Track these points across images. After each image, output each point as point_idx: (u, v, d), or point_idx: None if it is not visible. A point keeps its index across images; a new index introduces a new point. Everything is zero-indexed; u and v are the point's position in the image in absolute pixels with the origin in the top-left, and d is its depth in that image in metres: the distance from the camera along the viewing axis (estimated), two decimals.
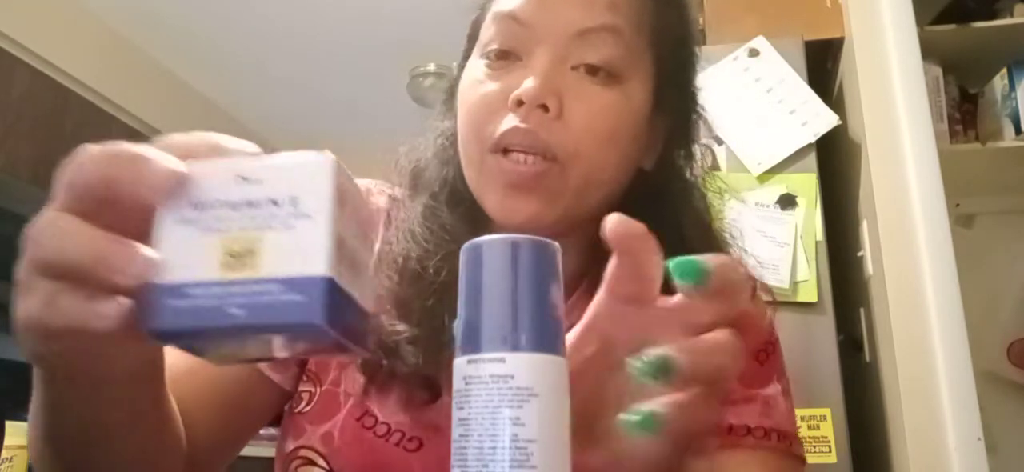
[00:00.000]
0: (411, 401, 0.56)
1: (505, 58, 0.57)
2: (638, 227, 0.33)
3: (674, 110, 0.62)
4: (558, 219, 0.56)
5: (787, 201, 1.63)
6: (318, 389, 0.60)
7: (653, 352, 0.31)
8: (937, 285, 1.31)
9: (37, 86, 2.52)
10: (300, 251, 0.29)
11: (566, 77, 0.55)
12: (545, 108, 0.54)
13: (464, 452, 0.29)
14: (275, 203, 0.30)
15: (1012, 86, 1.72)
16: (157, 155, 0.30)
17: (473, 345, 0.30)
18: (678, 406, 0.31)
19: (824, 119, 1.67)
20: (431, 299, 0.57)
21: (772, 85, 1.71)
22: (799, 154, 1.65)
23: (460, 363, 0.31)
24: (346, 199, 0.31)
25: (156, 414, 0.44)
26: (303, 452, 0.57)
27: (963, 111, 1.82)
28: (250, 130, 3.73)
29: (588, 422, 0.35)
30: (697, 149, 0.66)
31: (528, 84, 0.53)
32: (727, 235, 0.66)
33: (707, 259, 0.32)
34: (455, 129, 0.62)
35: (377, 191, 0.68)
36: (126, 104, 2.91)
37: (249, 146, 0.33)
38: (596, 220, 0.58)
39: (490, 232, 0.59)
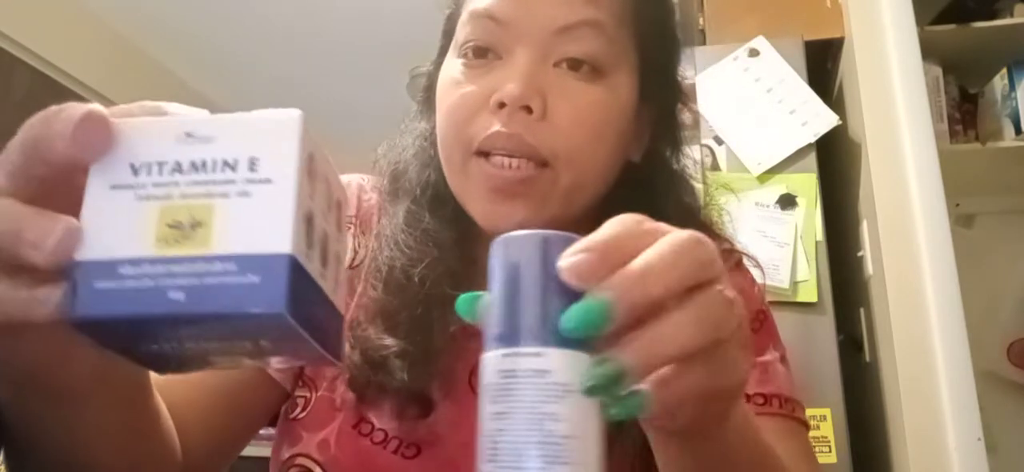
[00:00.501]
0: (403, 416, 0.55)
1: (483, 57, 0.55)
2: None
3: (659, 100, 0.61)
4: (547, 222, 0.54)
5: (787, 201, 1.63)
6: (313, 394, 0.59)
7: (598, 367, 0.28)
8: (937, 285, 1.31)
9: (37, 86, 2.52)
10: (258, 223, 0.24)
11: (548, 75, 0.54)
12: (528, 109, 0.52)
13: (497, 446, 0.28)
14: (229, 165, 0.25)
15: (1012, 86, 1.72)
16: (74, 105, 0.27)
17: (509, 340, 0.29)
18: (661, 382, 0.30)
19: (824, 119, 1.66)
20: (419, 309, 0.56)
21: (772, 85, 1.71)
22: (799, 154, 1.65)
23: (494, 357, 0.29)
24: (316, 171, 0.27)
25: (143, 427, 0.43)
26: (300, 460, 0.56)
27: (963, 111, 1.82)
28: None
29: None
30: (683, 137, 0.65)
31: (510, 85, 0.51)
32: (718, 220, 0.65)
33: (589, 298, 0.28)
34: (432, 130, 0.61)
35: (371, 187, 0.66)
36: (126, 104, 2.91)
37: (200, 113, 0.28)
38: (586, 218, 0.58)
39: (476, 236, 0.59)
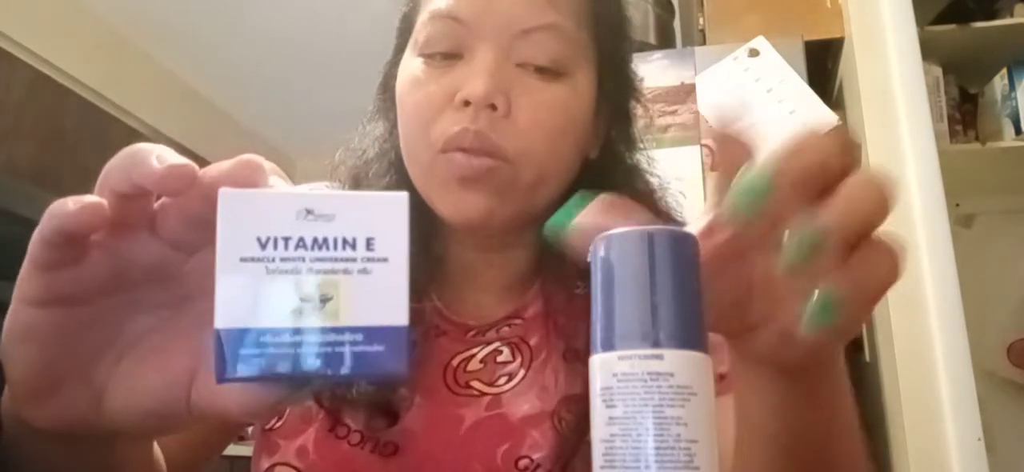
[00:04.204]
0: (371, 426, 0.56)
1: (445, 56, 0.56)
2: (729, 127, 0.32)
3: (615, 96, 0.62)
4: (511, 217, 0.56)
5: None
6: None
7: (796, 230, 0.28)
8: (937, 285, 1.31)
9: (37, 86, 2.52)
10: (379, 298, 0.28)
11: (511, 74, 0.54)
12: (493, 107, 0.53)
13: (614, 451, 0.27)
14: (348, 244, 0.28)
15: (1012, 86, 1.72)
16: (155, 148, 0.29)
17: (623, 341, 0.28)
18: (849, 278, 0.28)
19: (824, 119, 1.66)
20: None
21: (772, 85, 1.71)
22: None
23: (609, 358, 0.28)
24: None
25: (147, 451, 0.43)
26: (279, 468, 0.56)
27: (963, 111, 1.82)
28: (250, 131, 3.73)
29: (740, 311, 0.33)
30: (636, 132, 0.66)
31: (475, 84, 0.52)
32: (674, 205, 0.65)
33: (764, 163, 0.29)
34: (392, 130, 0.61)
35: None
36: (126, 104, 2.91)
37: (264, 161, 0.31)
38: (545, 214, 0.58)
39: (442, 236, 0.60)
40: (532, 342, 0.60)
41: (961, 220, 1.89)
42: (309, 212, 0.28)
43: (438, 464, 0.55)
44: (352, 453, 0.56)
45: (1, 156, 2.33)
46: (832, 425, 0.38)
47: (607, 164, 0.62)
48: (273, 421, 0.59)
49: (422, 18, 0.58)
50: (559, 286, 0.60)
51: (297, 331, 0.27)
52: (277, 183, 0.30)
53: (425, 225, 0.59)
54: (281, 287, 0.27)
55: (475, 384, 0.58)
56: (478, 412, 0.57)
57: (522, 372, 0.58)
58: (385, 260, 0.28)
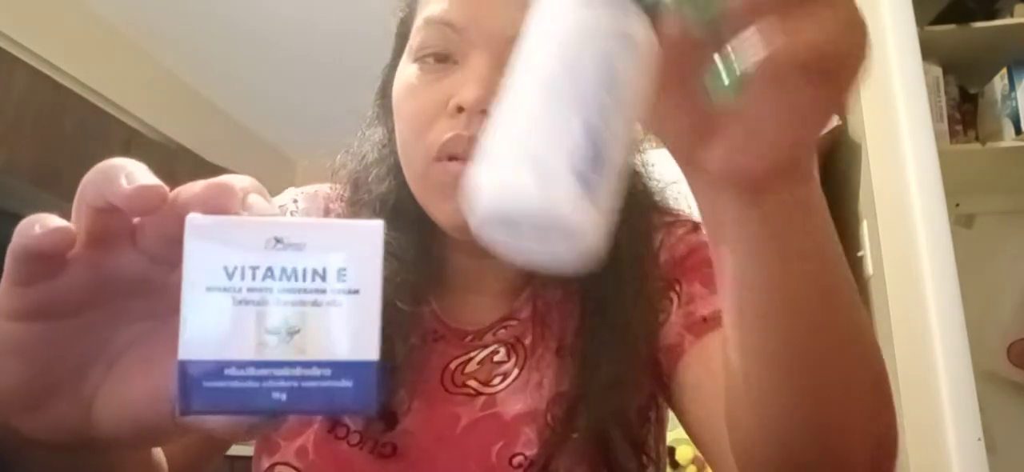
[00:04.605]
0: (368, 428, 0.56)
1: (439, 62, 0.56)
2: None
3: None
4: None
5: None
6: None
7: None
8: (937, 285, 1.31)
9: (37, 86, 2.52)
10: (348, 332, 0.27)
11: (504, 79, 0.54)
12: (487, 113, 0.52)
13: (548, 66, 0.26)
14: (318, 274, 0.27)
15: (1012, 86, 1.72)
16: (127, 165, 0.29)
17: None
18: (767, 35, 0.25)
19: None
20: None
21: None
22: None
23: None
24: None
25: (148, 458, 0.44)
26: (279, 468, 0.57)
27: (963, 111, 1.82)
28: (250, 132, 3.73)
29: (690, 130, 0.30)
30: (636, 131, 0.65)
31: (469, 90, 0.52)
32: (673, 201, 0.65)
33: None
34: (391, 135, 0.61)
35: (336, 197, 0.66)
36: (126, 104, 2.91)
37: (244, 180, 0.30)
38: None
39: (441, 243, 0.61)
40: (527, 342, 0.60)
41: (961, 220, 1.89)
42: (278, 241, 0.27)
43: (434, 464, 0.56)
44: (351, 453, 0.56)
45: (1, 156, 2.34)
46: (818, 280, 0.33)
47: None
48: None
49: (417, 23, 0.58)
50: (551, 287, 0.61)
51: (262, 364, 0.27)
52: (257, 202, 0.30)
53: (424, 231, 0.59)
54: (247, 318, 0.27)
55: (471, 384, 0.59)
56: (473, 412, 0.57)
57: (516, 371, 0.59)
58: (356, 292, 0.27)
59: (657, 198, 0.65)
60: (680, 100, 0.29)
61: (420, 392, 0.58)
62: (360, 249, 0.28)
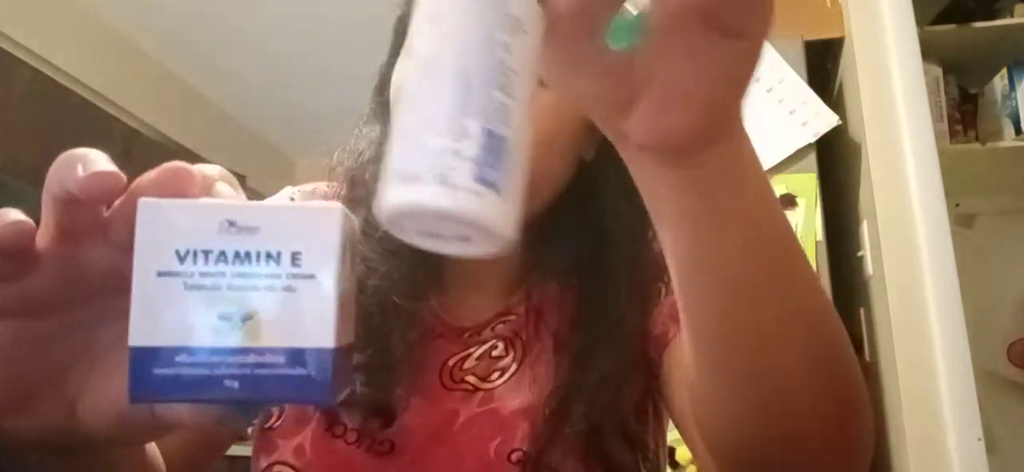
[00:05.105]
0: (367, 427, 0.56)
1: None
2: None
3: None
4: None
5: (787, 201, 1.63)
6: (286, 405, 0.59)
7: None
8: (937, 285, 1.31)
9: (37, 86, 2.52)
10: (303, 318, 0.26)
11: None
12: None
13: (435, 64, 0.25)
14: (272, 258, 0.26)
15: (1012, 86, 1.72)
16: (86, 154, 0.28)
17: None
18: None
19: (824, 119, 1.66)
20: (377, 320, 0.56)
21: (772, 85, 1.71)
22: (799, 154, 1.65)
23: None
24: (348, 249, 0.28)
25: (144, 461, 0.43)
26: (277, 468, 0.57)
27: (963, 111, 1.83)
28: (250, 131, 3.73)
29: (612, 95, 0.29)
30: None
31: None
32: None
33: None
34: (387, 134, 0.61)
35: (333, 195, 0.65)
36: (126, 104, 2.91)
37: (212, 168, 0.29)
38: (537, 221, 0.58)
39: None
40: (525, 337, 0.61)
41: (961, 220, 1.89)
42: (231, 224, 0.26)
43: (432, 461, 0.56)
44: (349, 452, 0.56)
45: (1, 156, 2.34)
46: (760, 250, 0.32)
47: (604, 165, 0.62)
48: (271, 420, 0.59)
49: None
50: (547, 281, 0.61)
51: (215, 351, 0.26)
52: (224, 191, 0.29)
53: None
54: (199, 304, 0.26)
55: (470, 380, 0.59)
56: (471, 408, 0.58)
57: (515, 367, 0.59)
58: (312, 277, 0.26)
59: None
60: (593, 65, 0.28)
61: (418, 389, 0.58)
62: (316, 233, 0.27)
